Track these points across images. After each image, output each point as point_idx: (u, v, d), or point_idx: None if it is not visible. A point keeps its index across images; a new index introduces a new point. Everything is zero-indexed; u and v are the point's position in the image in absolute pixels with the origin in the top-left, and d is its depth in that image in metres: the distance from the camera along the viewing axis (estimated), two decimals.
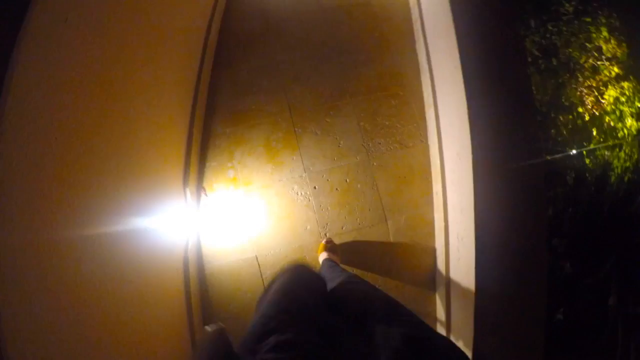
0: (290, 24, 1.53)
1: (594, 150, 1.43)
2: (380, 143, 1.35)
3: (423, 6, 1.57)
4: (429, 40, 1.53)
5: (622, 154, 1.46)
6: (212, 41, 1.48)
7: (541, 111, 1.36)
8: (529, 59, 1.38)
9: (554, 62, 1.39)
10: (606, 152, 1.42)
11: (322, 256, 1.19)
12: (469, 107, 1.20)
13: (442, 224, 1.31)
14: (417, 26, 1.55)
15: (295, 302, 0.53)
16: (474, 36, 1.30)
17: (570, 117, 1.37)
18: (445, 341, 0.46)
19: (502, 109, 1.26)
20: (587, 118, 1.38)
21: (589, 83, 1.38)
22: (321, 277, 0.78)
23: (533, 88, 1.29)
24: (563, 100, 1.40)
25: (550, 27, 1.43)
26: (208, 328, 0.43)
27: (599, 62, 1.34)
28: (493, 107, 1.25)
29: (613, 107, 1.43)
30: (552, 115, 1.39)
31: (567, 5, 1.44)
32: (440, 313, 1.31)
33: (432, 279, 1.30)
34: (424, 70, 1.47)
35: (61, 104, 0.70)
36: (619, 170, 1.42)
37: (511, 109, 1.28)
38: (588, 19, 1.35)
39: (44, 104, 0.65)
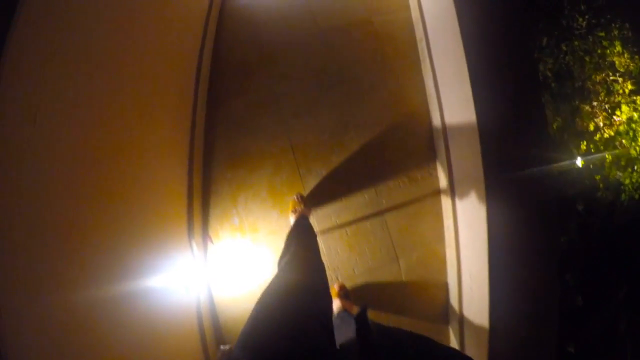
0: (286, 49, 1.42)
1: (607, 174, 1.39)
2: (388, 179, 1.30)
3: (428, 24, 1.45)
4: (435, 62, 1.43)
5: (634, 174, 1.41)
6: (204, 75, 1.38)
7: (554, 138, 1.30)
8: (542, 83, 1.30)
9: (568, 85, 1.31)
10: (618, 173, 1.37)
11: (336, 304, 1.18)
12: (482, 140, 1.14)
13: (455, 260, 1.29)
14: (421, 46, 1.44)
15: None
16: (484, 58, 1.22)
17: (584, 143, 1.31)
18: None
19: (515, 139, 1.20)
20: (600, 144, 1.32)
21: (603, 105, 1.31)
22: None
23: (547, 113, 1.22)
24: (577, 124, 1.33)
25: (564, 48, 1.33)
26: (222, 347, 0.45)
27: (611, 79, 1.26)
28: (506, 137, 1.19)
29: (626, 127, 1.37)
30: (565, 140, 1.33)
31: (580, 19, 1.34)
32: (454, 346, 1.33)
33: (444, 313, 1.31)
34: (431, 96, 1.38)
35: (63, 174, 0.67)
36: (631, 188, 1.38)
37: (525, 138, 1.22)
38: (602, 33, 1.25)
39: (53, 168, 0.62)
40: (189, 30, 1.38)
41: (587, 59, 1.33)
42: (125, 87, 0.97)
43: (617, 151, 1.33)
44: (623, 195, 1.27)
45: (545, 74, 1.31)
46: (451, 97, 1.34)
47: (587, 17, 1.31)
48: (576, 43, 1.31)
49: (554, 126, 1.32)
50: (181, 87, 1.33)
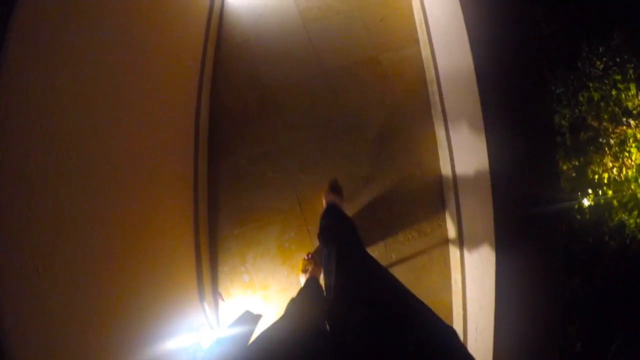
0: (289, 95, 1.34)
1: (614, 219, 1.39)
2: (398, 233, 1.29)
3: (439, 65, 1.37)
4: (446, 107, 1.37)
5: None
6: (203, 128, 1.31)
7: (565, 191, 1.29)
8: (557, 133, 1.26)
9: (583, 137, 1.28)
10: (624, 215, 1.37)
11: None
12: (494, 192, 1.13)
13: (461, 311, 1.32)
14: (432, 89, 1.37)
15: None
16: (499, 107, 1.17)
17: (592, 195, 1.30)
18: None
19: (527, 192, 1.19)
20: (610, 194, 1.30)
21: (616, 154, 1.27)
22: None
23: (559, 164, 1.21)
24: (588, 176, 1.30)
25: (581, 98, 1.27)
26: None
27: (625, 123, 1.21)
28: (518, 190, 1.18)
29: (636, 173, 1.34)
30: (576, 189, 1.31)
31: (597, 62, 1.27)
32: None
33: None
34: (442, 144, 1.34)
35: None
36: (633, 226, 1.38)
37: (536, 190, 1.21)
38: (618, 77, 1.19)
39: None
40: (183, 80, 1.29)
41: (602, 104, 1.28)
42: (123, 157, 0.91)
43: (625, 195, 1.32)
44: (627, 234, 1.28)
45: (560, 124, 1.27)
46: (463, 146, 1.30)
47: (604, 59, 1.24)
48: (591, 85, 1.26)
49: (566, 176, 1.30)
50: (180, 142, 1.26)
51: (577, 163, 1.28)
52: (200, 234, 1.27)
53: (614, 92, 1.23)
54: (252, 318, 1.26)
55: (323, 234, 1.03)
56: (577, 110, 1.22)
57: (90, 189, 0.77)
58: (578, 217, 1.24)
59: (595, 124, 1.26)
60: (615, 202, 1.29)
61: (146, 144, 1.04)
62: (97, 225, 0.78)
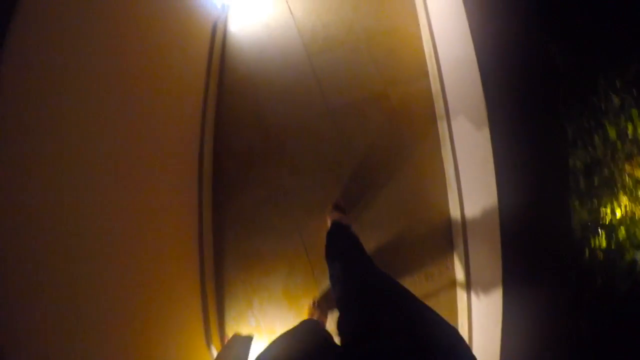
0: (294, 135, 1.30)
1: (626, 261, 1.32)
2: (405, 277, 1.28)
3: (450, 102, 1.31)
4: (457, 145, 1.32)
5: None
6: (207, 172, 1.28)
7: (576, 235, 1.25)
8: (571, 173, 1.21)
9: (596, 181, 1.23)
10: (637, 253, 1.31)
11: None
12: (502, 235, 1.12)
13: None
14: (442, 126, 1.32)
15: None
16: (511, 149, 1.14)
17: (605, 237, 1.25)
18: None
19: (537, 236, 1.16)
20: (622, 233, 1.25)
21: (631, 193, 1.21)
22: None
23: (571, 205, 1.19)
24: (600, 216, 1.26)
25: (596, 138, 1.21)
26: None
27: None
28: (528, 234, 1.16)
29: None
30: (588, 237, 1.27)
31: (615, 98, 1.20)
32: None
33: None
34: (451, 185, 1.30)
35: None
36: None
37: (547, 234, 1.18)
38: (635, 110, 1.12)
39: None
40: (185, 121, 1.26)
41: (619, 143, 1.22)
42: (126, 211, 0.90)
43: (638, 235, 1.27)
44: (637, 271, 1.23)
45: (574, 167, 1.22)
46: (473, 187, 1.26)
47: (621, 94, 1.18)
48: (607, 122, 1.19)
49: (577, 217, 1.26)
50: (184, 189, 1.24)
51: (590, 206, 1.24)
52: (207, 280, 1.26)
53: (629, 128, 1.17)
54: (242, 340, 1.24)
55: (329, 252, 1.02)
56: (591, 151, 1.18)
57: (96, 241, 0.76)
58: (587, 256, 1.20)
59: (611, 164, 1.21)
60: (627, 243, 1.24)
61: (148, 195, 1.02)
62: (106, 273, 0.78)
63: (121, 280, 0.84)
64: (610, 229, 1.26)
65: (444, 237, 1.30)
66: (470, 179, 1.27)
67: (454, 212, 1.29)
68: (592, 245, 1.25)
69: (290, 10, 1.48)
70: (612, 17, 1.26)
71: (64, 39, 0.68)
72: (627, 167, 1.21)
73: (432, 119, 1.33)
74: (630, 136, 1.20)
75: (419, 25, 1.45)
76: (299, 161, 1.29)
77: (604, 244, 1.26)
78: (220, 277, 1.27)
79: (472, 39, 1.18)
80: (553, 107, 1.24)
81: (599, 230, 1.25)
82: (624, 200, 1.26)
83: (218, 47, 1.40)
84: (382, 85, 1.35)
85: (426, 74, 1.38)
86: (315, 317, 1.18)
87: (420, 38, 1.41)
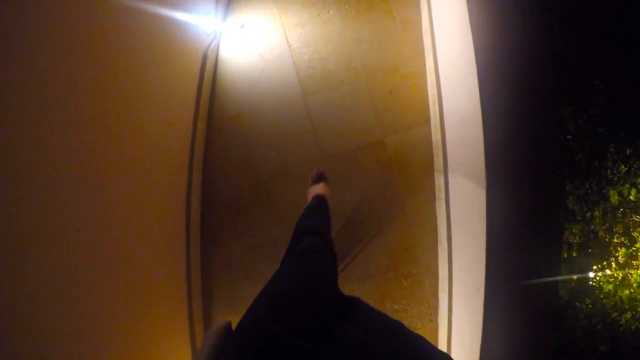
0: (284, 183, 1.26)
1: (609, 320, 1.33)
2: None
3: (449, 153, 1.24)
4: (452, 203, 1.27)
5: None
6: (195, 220, 1.26)
7: (563, 301, 1.25)
8: (566, 245, 1.18)
9: (591, 250, 1.20)
10: (623, 315, 1.31)
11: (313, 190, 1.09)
12: (486, 307, 1.12)
13: None
14: (439, 182, 1.27)
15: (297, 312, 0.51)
16: (507, 222, 1.11)
17: (590, 304, 1.24)
18: None
19: (523, 308, 1.17)
20: (608, 302, 1.23)
21: (621, 262, 1.18)
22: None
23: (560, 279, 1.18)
24: (589, 287, 1.24)
25: (597, 213, 1.15)
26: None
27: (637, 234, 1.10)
28: (513, 305, 1.16)
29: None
30: (576, 305, 1.25)
31: (622, 166, 1.14)
32: None
33: None
34: (442, 244, 1.27)
35: None
36: (625, 325, 1.32)
37: (533, 311, 1.19)
38: (639, 179, 1.06)
39: None
40: (172, 165, 1.21)
41: (619, 213, 1.17)
42: (113, 258, 0.90)
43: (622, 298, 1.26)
44: (628, 314, 1.25)
45: (569, 240, 1.19)
46: (463, 249, 1.24)
47: (630, 162, 1.11)
48: (611, 191, 1.15)
49: (565, 287, 1.24)
50: (171, 232, 1.23)
51: (580, 273, 1.23)
52: (195, 323, 1.29)
53: (633, 193, 1.13)
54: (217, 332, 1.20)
55: (298, 232, 0.90)
56: (589, 225, 1.13)
57: (82, 288, 0.77)
58: (570, 319, 1.21)
59: (606, 237, 1.18)
60: (611, 305, 1.25)
61: (135, 239, 1.02)
62: (93, 319, 0.79)
63: (108, 323, 0.86)
64: (597, 294, 1.26)
65: (431, 292, 1.30)
66: (462, 239, 1.25)
67: (442, 270, 1.28)
68: (578, 306, 1.26)
69: (287, 40, 1.37)
70: (629, 80, 1.16)
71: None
72: (624, 239, 1.19)
73: (429, 172, 1.27)
74: (633, 199, 1.16)
75: (424, 65, 1.34)
76: (288, 209, 1.26)
77: (589, 306, 1.27)
78: (209, 319, 1.30)
79: (480, 93, 1.09)
80: (556, 175, 1.18)
81: (586, 298, 1.26)
82: (614, 267, 1.25)
83: (208, 81, 1.32)
84: (380, 133, 1.28)
85: (427, 121, 1.30)
86: (320, 189, 1.10)
87: (425, 80, 1.32)
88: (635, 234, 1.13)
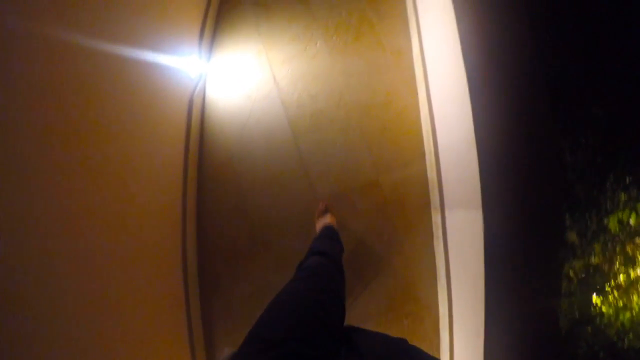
0: (279, 229, 1.24)
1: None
2: None
3: (446, 190, 1.21)
4: (449, 239, 1.25)
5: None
6: (192, 272, 1.25)
7: (562, 331, 1.23)
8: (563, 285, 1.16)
9: (590, 280, 1.17)
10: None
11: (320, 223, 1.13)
12: (486, 339, 1.12)
13: None
14: (436, 220, 1.24)
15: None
16: (504, 261, 1.10)
17: (590, 329, 1.22)
18: None
19: (523, 347, 1.17)
20: (616, 325, 1.20)
21: (623, 286, 1.14)
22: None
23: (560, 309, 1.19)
24: (589, 313, 1.21)
25: (597, 245, 1.12)
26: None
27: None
28: (512, 339, 1.16)
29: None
30: (575, 330, 1.23)
31: (622, 194, 1.10)
32: None
33: None
34: (441, 283, 1.26)
35: None
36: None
37: (534, 348, 1.18)
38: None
39: None
40: (165, 216, 1.20)
41: (618, 247, 1.14)
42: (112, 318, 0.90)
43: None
44: (631, 335, 1.23)
45: (567, 275, 1.16)
46: (463, 286, 1.23)
47: (630, 190, 1.07)
48: (610, 220, 1.11)
49: (565, 319, 1.22)
50: (169, 283, 1.23)
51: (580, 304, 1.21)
52: None
53: (633, 217, 1.11)
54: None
55: (307, 255, 0.92)
56: (590, 258, 1.11)
57: (83, 349, 0.77)
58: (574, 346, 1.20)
59: (606, 269, 1.15)
60: (612, 332, 1.23)
61: (134, 291, 1.02)
62: None
63: None
64: (598, 322, 1.24)
65: (431, 325, 1.30)
66: (461, 276, 1.23)
67: (442, 309, 1.27)
68: (579, 334, 1.25)
69: (274, 78, 1.33)
70: (628, 109, 1.12)
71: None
72: (622, 270, 1.16)
73: (426, 210, 1.25)
74: (633, 225, 1.13)
75: (417, 95, 1.30)
76: (285, 257, 1.25)
77: (590, 335, 1.26)
78: None
79: (474, 128, 1.06)
80: (554, 210, 1.16)
81: (587, 327, 1.24)
82: (615, 294, 1.22)
83: (195, 128, 1.29)
84: (374, 173, 1.25)
85: (422, 157, 1.27)
86: (327, 216, 1.15)
87: (418, 112, 1.28)
88: (637, 257, 1.10)
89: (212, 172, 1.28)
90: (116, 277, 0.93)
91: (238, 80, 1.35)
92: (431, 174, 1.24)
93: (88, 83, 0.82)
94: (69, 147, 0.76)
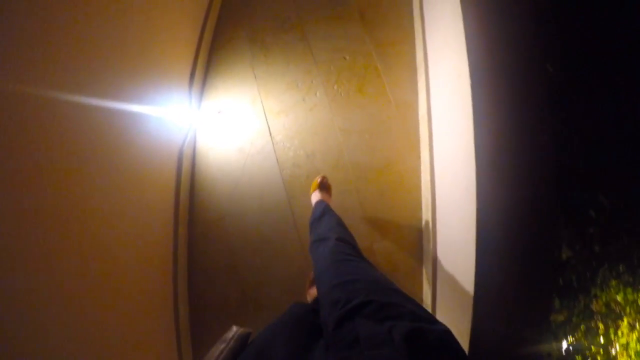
0: (271, 293, 1.24)
1: None
2: None
3: (440, 266, 1.18)
4: (437, 312, 1.25)
5: None
6: (183, 324, 1.26)
7: None
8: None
9: (583, 329, 1.18)
10: None
11: (315, 196, 1.15)
12: None
13: None
14: (427, 293, 1.22)
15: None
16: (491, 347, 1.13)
17: None
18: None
19: None
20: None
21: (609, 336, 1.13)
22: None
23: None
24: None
25: (582, 327, 1.10)
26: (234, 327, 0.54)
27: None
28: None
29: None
30: None
31: (613, 282, 1.08)
32: None
33: None
34: None
35: None
36: None
37: None
38: (630, 289, 0.98)
39: None
40: (155, 278, 1.19)
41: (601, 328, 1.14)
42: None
43: None
44: None
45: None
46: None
47: (623, 278, 1.04)
48: (598, 304, 1.11)
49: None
50: (162, 338, 1.25)
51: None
52: None
53: (620, 296, 1.12)
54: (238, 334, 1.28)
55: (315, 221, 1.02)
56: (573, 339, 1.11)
57: None
58: None
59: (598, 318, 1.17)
60: None
61: (127, 347, 1.04)
62: None
63: None
64: None
65: None
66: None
67: None
68: None
69: (270, 131, 1.24)
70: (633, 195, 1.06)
71: None
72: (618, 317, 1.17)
73: (417, 280, 1.23)
74: (620, 301, 1.13)
75: (419, 158, 1.22)
76: (275, 317, 1.26)
77: None
78: None
79: (477, 207, 1.02)
80: (546, 299, 1.15)
81: None
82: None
83: (186, 183, 1.23)
84: (369, 239, 1.22)
85: (419, 226, 1.23)
86: (323, 192, 1.16)
87: (419, 177, 1.21)
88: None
89: (204, 229, 1.25)
90: (108, 336, 0.92)
91: (231, 130, 1.26)
92: (427, 246, 1.22)
93: (68, 138, 0.75)
94: (52, 203, 0.71)
